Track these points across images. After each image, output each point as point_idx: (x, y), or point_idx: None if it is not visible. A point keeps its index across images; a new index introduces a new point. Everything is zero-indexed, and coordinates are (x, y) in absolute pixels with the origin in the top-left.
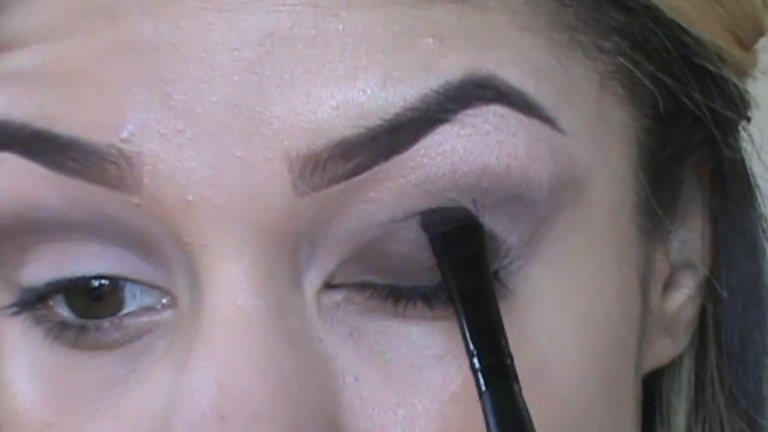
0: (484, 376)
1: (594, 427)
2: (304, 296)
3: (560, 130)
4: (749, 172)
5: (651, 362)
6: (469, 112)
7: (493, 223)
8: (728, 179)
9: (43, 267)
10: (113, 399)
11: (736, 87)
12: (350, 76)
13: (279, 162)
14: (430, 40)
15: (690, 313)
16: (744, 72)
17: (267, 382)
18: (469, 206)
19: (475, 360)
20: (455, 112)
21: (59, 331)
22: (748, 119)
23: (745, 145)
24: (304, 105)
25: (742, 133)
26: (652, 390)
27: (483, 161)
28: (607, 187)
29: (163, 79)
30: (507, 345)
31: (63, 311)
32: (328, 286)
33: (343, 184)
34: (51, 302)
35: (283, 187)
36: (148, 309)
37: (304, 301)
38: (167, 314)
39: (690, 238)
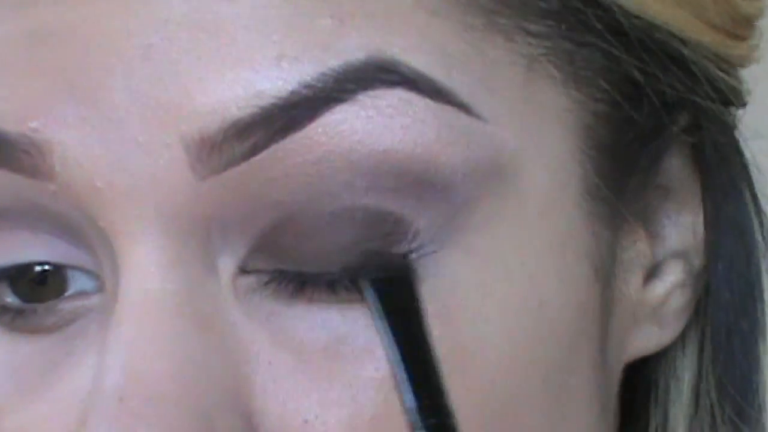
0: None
1: (531, 413)
2: (219, 280)
3: (478, 117)
4: (743, 157)
5: (635, 350)
6: (371, 93)
7: (399, 206)
8: (713, 165)
9: None
10: (50, 382)
11: (712, 73)
12: (244, 57)
13: (177, 146)
14: (329, 21)
15: (679, 301)
16: (729, 59)
17: (168, 363)
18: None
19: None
20: (355, 92)
21: None
22: (738, 106)
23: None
24: (198, 88)
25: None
26: (647, 378)
27: (384, 144)
28: (543, 174)
29: (67, 66)
30: (448, 403)
31: (7, 296)
32: (243, 271)
33: (243, 166)
34: None
35: (183, 171)
36: (82, 294)
37: (219, 285)
38: (97, 299)
39: (685, 225)
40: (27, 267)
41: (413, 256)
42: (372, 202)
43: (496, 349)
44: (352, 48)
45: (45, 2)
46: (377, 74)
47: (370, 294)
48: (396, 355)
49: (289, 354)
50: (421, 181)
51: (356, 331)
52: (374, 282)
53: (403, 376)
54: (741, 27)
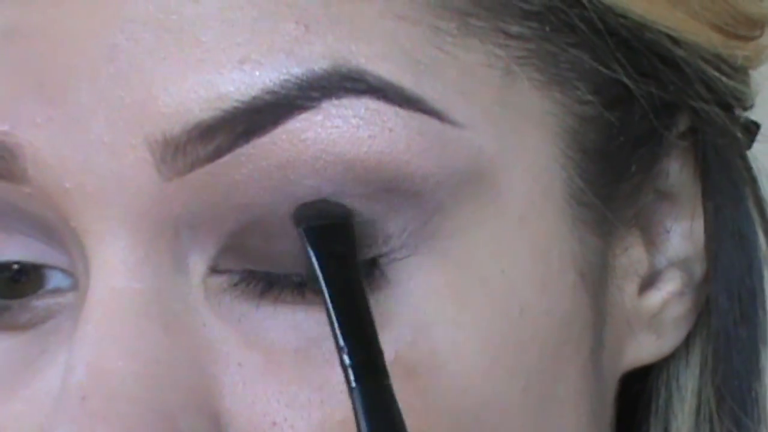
0: (354, 373)
1: (509, 421)
2: (189, 280)
3: (452, 123)
4: (746, 160)
5: (632, 360)
6: (336, 102)
7: (368, 210)
8: (713, 169)
9: None
10: (25, 380)
11: (709, 74)
12: (207, 59)
13: (141, 147)
14: (293, 26)
15: (678, 310)
16: (730, 59)
17: (131, 363)
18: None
19: (345, 356)
20: (319, 100)
21: None
22: (743, 109)
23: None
24: (161, 90)
25: None
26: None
27: (350, 154)
28: (524, 178)
29: (34, 66)
30: (377, 341)
31: None
32: (215, 271)
33: (207, 168)
34: None
35: (149, 172)
36: (56, 291)
37: (189, 285)
38: (71, 296)
39: (687, 232)
40: (2, 266)
41: (383, 260)
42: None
43: (471, 356)
44: (316, 56)
45: (12, 2)
46: (343, 83)
47: (303, 239)
48: (329, 302)
49: (260, 356)
50: (390, 189)
51: (326, 334)
52: (309, 229)
53: (335, 320)
54: (745, 27)
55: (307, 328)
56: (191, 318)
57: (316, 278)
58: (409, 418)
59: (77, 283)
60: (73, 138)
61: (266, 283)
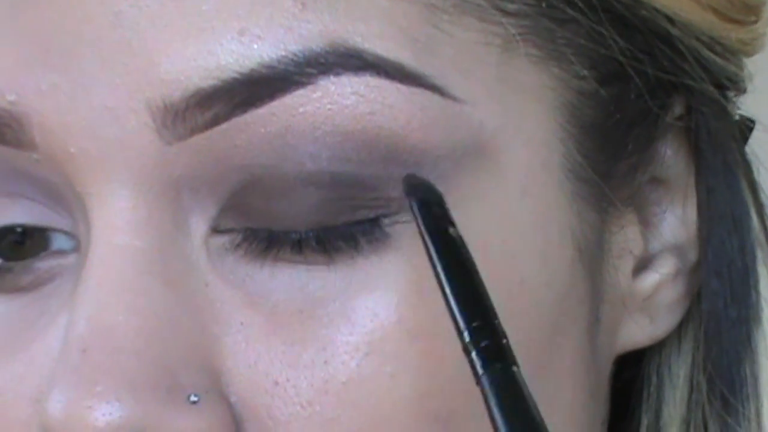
0: (481, 359)
1: None
2: (191, 240)
3: (453, 98)
4: (739, 143)
5: (624, 343)
6: (335, 80)
7: (366, 174)
8: (707, 152)
9: None
10: (25, 341)
11: (705, 56)
12: (208, 29)
13: (143, 112)
14: (290, 2)
15: (671, 294)
16: (726, 43)
17: (133, 317)
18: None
19: (467, 338)
20: (315, 77)
21: None
22: (740, 91)
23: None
24: (163, 57)
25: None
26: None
27: (349, 127)
28: (524, 152)
29: (41, 32)
30: (500, 324)
31: None
32: (216, 231)
33: (207, 133)
34: None
35: (151, 136)
36: (58, 253)
37: (191, 245)
38: (73, 258)
39: (681, 217)
40: (6, 230)
41: (385, 221)
42: (338, 169)
43: None
44: (313, 34)
45: None
46: (340, 61)
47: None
48: (446, 279)
49: (263, 316)
50: (389, 158)
51: (331, 295)
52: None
53: (453, 298)
54: (740, 11)
55: (312, 288)
56: (193, 277)
57: (431, 258)
58: (413, 381)
59: (79, 245)
60: (78, 104)
61: (267, 242)
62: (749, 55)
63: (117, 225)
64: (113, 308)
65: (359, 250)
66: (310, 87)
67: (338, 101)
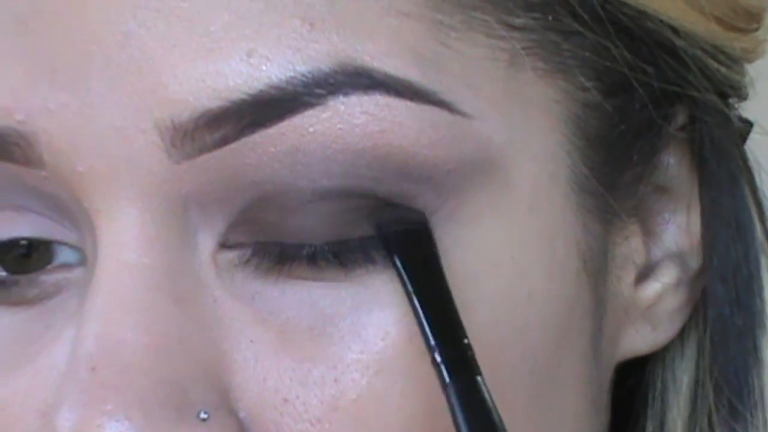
0: (447, 368)
1: (517, 402)
2: (199, 257)
3: (462, 113)
4: (742, 151)
5: (628, 349)
6: (344, 99)
7: (379, 190)
8: (711, 160)
9: None
10: (30, 356)
11: (709, 65)
12: (216, 49)
13: (152, 131)
14: (298, 22)
15: (672, 302)
16: (729, 51)
17: (142, 334)
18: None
19: (436, 354)
20: (325, 97)
21: None
22: (741, 98)
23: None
24: (172, 77)
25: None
26: (647, 380)
27: (359, 146)
28: (532, 166)
29: (49, 52)
30: (467, 338)
31: None
32: (224, 246)
33: (215, 153)
34: None
35: (159, 155)
36: (64, 266)
37: (199, 262)
38: (78, 272)
39: (683, 225)
40: (12, 243)
41: None
42: (353, 184)
43: (483, 338)
44: (322, 54)
45: None
46: (349, 81)
47: (388, 245)
48: (417, 302)
49: (273, 333)
50: (401, 175)
51: (343, 312)
52: (391, 234)
53: (423, 320)
54: (742, 20)
55: (323, 305)
56: (201, 294)
57: (403, 281)
58: (422, 397)
59: (85, 259)
60: (86, 123)
61: (279, 257)
62: (750, 61)
63: (125, 242)
64: (122, 325)
65: (374, 264)
66: (319, 107)
67: (348, 121)
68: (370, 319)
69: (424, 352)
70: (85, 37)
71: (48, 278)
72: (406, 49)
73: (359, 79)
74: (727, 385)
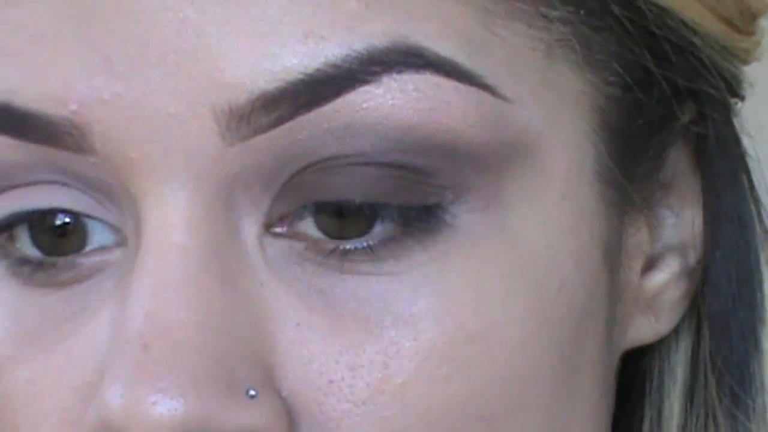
0: None
1: (544, 388)
2: (244, 241)
3: (504, 98)
4: (742, 148)
5: (631, 339)
6: (397, 76)
7: (427, 165)
8: (714, 157)
9: (8, 203)
10: (64, 335)
11: (720, 64)
12: (272, 32)
13: (207, 116)
14: (354, 3)
15: (675, 294)
16: (734, 52)
17: (193, 313)
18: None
19: None
20: (380, 74)
21: (17, 266)
22: (741, 98)
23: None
24: (228, 62)
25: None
26: (643, 371)
27: (409, 123)
28: (564, 155)
29: (104, 42)
30: None
31: (27, 248)
32: (270, 233)
33: (269, 134)
34: (14, 237)
35: (214, 139)
36: (102, 248)
37: (245, 246)
38: (118, 254)
39: (684, 219)
40: (49, 214)
41: (449, 207)
42: (399, 158)
43: (520, 325)
44: (377, 32)
45: None
46: (402, 58)
47: None
48: None
49: (319, 317)
50: (448, 152)
51: (394, 300)
52: None
53: None
54: (747, 22)
55: (376, 293)
56: (248, 276)
57: None
58: (464, 383)
59: (125, 240)
60: (140, 112)
61: (331, 251)
62: (747, 63)
63: (174, 224)
64: (173, 304)
65: (426, 253)
66: (373, 84)
67: (401, 97)
68: (421, 306)
69: (472, 338)
70: (141, 26)
71: (85, 261)
72: (455, 32)
73: (411, 58)
74: (729, 374)
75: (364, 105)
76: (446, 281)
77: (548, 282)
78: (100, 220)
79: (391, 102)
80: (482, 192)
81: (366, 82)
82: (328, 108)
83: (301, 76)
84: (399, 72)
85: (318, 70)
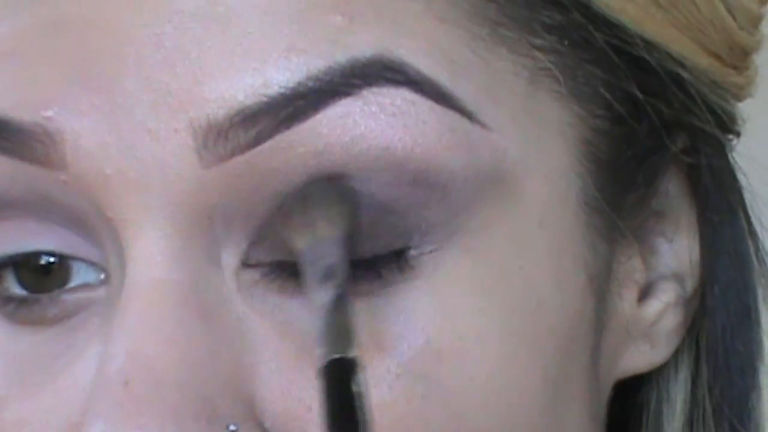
0: None
1: (531, 409)
2: (223, 274)
3: (482, 124)
4: (738, 182)
5: (624, 368)
6: (376, 90)
7: (394, 200)
8: (710, 189)
9: None
10: (52, 374)
11: (709, 98)
12: (254, 48)
13: (185, 132)
14: (339, 18)
15: (671, 322)
16: (726, 87)
17: (174, 349)
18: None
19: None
20: (360, 87)
21: (2, 305)
22: (735, 134)
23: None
24: (207, 76)
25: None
26: (641, 402)
27: (385, 141)
28: (544, 183)
29: (81, 55)
30: None
31: (12, 286)
32: (246, 265)
33: (247, 155)
34: (1, 277)
35: (190, 158)
36: (86, 286)
37: (222, 278)
38: (102, 291)
39: (678, 248)
40: (33, 255)
41: (412, 252)
42: (366, 190)
43: (495, 342)
44: (360, 44)
45: None
46: (383, 72)
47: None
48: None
49: (293, 344)
50: (419, 181)
51: (360, 324)
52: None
53: None
54: (738, 57)
55: None
56: (226, 309)
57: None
58: (443, 401)
59: (108, 278)
60: (117, 124)
61: (295, 275)
62: (741, 99)
63: (153, 257)
64: (153, 340)
65: (382, 282)
66: (353, 97)
67: (377, 112)
68: (385, 326)
69: (442, 356)
70: (118, 40)
71: (69, 297)
72: (439, 51)
73: (392, 73)
74: (728, 407)
75: (341, 122)
76: (409, 301)
77: (523, 299)
78: (81, 260)
79: (368, 117)
80: (448, 228)
81: (346, 94)
82: (307, 126)
83: (282, 90)
84: (379, 86)
85: (299, 83)
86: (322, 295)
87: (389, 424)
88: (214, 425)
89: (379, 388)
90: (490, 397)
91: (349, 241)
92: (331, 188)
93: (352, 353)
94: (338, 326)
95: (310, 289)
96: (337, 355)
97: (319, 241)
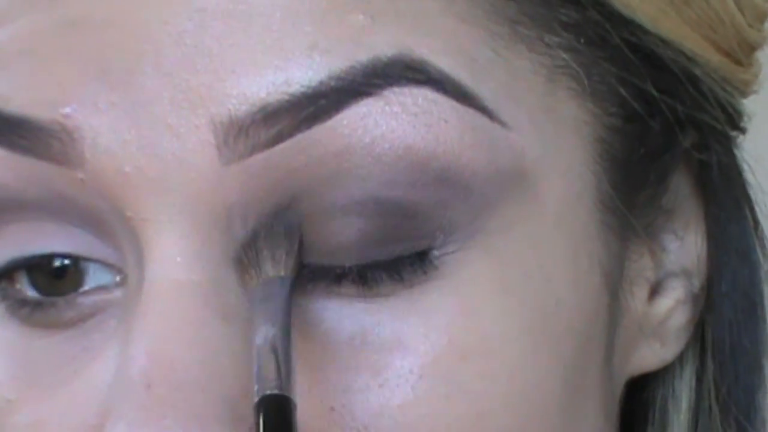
0: None
1: (552, 408)
2: (240, 274)
3: (502, 123)
4: (744, 178)
5: (637, 365)
6: (397, 90)
7: (415, 201)
8: (718, 186)
9: (6, 248)
10: (67, 376)
11: (719, 94)
12: (276, 46)
13: (205, 128)
14: (360, 17)
15: (680, 319)
16: (734, 83)
17: (195, 351)
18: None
19: None
20: (381, 87)
21: (16, 308)
22: (741, 130)
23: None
24: (229, 73)
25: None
26: (647, 399)
27: (407, 141)
28: (560, 182)
29: (100, 53)
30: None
31: (26, 289)
32: None
33: (267, 153)
34: (14, 279)
35: (210, 155)
36: (102, 288)
37: (240, 278)
38: (118, 293)
39: (687, 245)
40: (48, 257)
41: (435, 253)
42: (385, 194)
43: (518, 342)
44: (381, 44)
45: None
46: (405, 72)
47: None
48: None
49: (315, 345)
50: (440, 180)
51: (382, 322)
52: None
53: None
54: (745, 53)
55: (362, 316)
56: (245, 310)
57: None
58: (466, 401)
59: (125, 279)
60: (136, 121)
61: (312, 275)
62: (746, 95)
63: (173, 258)
64: (174, 342)
65: (404, 284)
66: (375, 97)
67: (399, 112)
68: (408, 326)
69: (466, 356)
70: (138, 38)
71: (85, 300)
72: (459, 50)
73: (413, 73)
74: (735, 404)
75: (363, 122)
76: (431, 301)
77: (544, 299)
78: (97, 261)
79: (390, 116)
80: (470, 228)
81: (368, 94)
82: (328, 125)
83: (303, 89)
84: (400, 86)
85: (321, 83)
86: (264, 334)
87: (412, 425)
88: (237, 426)
89: (402, 388)
90: (512, 397)
91: (293, 281)
92: (278, 226)
93: (287, 393)
94: (276, 365)
95: (256, 325)
96: (269, 392)
97: (265, 282)
